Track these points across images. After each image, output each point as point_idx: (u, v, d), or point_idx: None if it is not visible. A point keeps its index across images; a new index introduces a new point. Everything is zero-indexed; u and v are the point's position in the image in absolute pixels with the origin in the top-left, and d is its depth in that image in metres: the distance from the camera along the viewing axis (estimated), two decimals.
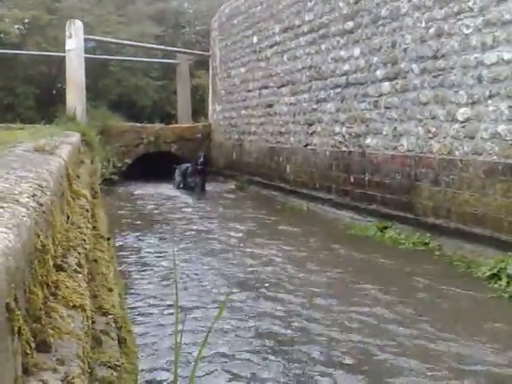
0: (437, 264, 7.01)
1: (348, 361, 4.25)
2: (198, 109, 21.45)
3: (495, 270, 6.06)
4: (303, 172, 11.90)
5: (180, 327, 1.33)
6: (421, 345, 4.53)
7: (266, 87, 13.86)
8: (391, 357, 4.30)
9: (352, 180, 10.11)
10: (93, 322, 1.50)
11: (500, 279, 5.91)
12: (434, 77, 8.01)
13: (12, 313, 0.84)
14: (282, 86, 12.95)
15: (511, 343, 4.57)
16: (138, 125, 17.59)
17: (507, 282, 5.78)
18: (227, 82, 16.90)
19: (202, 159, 14.84)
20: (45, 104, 21.55)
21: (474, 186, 7.25)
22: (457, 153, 7.59)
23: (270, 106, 13.61)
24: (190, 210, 11.97)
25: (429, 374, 4.03)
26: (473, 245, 7.03)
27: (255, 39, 14.58)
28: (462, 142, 7.49)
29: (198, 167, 14.68)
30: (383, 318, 5.12)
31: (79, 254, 1.87)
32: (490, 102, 7.03)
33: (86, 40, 15.72)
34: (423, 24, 8.26)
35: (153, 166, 15.79)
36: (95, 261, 2.30)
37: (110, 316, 1.71)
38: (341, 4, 10.49)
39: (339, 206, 10.33)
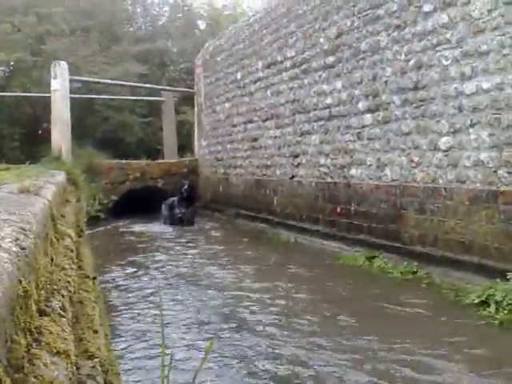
0: (425, 292, 7.00)
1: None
2: (185, 144, 21.56)
3: (484, 297, 6.06)
4: (290, 204, 11.94)
5: (166, 371, 1.32)
6: (413, 374, 4.49)
7: (251, 121, 14.01)
8: None
9: (338, 210, 10.15)
10: (77, 368, 1.48)
11: (489, 306, 5.90)
12: (416, 107, 8.16)
13: None
14: (267, 119, 13.10)
15: (500, 368, 4.55)
16: (124, 161, 17.60)
17: (496, 309, 5.77)
18: (212, 118, 17.06)
19: (186, 187, 14.94)
20: (30, 144, 21.55)
21: (459, 213, 7.31)
22: (441, 181, 7.68)
23: (255, 139, 13.73)
24: (175, 246, 11.89)
25: None
26: (461, 272, 7.05)
27: (239, 75, 14.80)
28: (445, 170, 7.59)
29: (184, 195, 14.72)
30: (374, 348, 5.08)
31: (63, 296, 1.85)
32: (471, 130, 7.16)
33: (71, 80, 15.84)
34: (403, 56, 8.45)
35: (140, 202, 15.75)
36: (80, 302, 2.27)
37: (96, 359, 1.68)
38: (321, 40, 10.72)
39: (326, 237, 10.35)
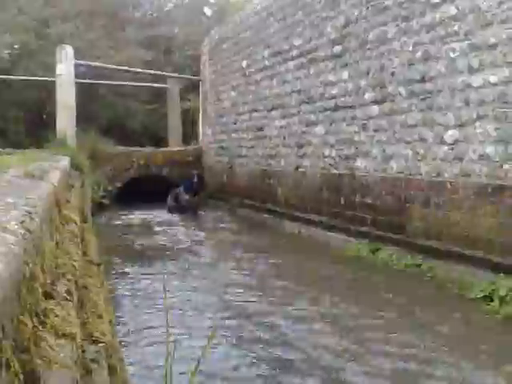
0: (429, 286, 7.00)
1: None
2: (189, 132, 21.53)
3: (487, 292, 6.05)
4: (294, 195, 11.92)
5: (170, 356, 1.31)
6: (415, 367, 4.49)
7: (256, 110, 13.96)
8: (371, 376, 4.26)
9: (343, 202, 10.13)
10: (83, 351, 1.47)
11: (492, 300, 5.89)
12: (422, 100, 8.11)
13: None
14: (272, 109, 13.05)
15: (503, 364, 4.54)
16: (129, 148, 17.60)
17: (500, 304, 5.76)
18: (218, 106, 17.00)
19: (195, 179, 15.36)
20: (35, 128, 21.53)
21: (464, 207, 7.28)
22: (446, 174, 7.64)
23: (261, 129, 13.69)
24: (179, 235, 11.90)
25: None
26: (465, 266, 7.03)
27: (245, 63, 14.73)
28: (450, 163, 7.55)
29: (193, 185, 15.10)
30: (376, 340, 5.08)
31: (68, 280, 1.85)
32: (477, 123, 7.11)
33: (76, 65, 15.79)
34: (410, 48, 8.38)
35: (144, 190, 15.74)
36: (85, 287, 2.27)
37: (101, 344, 1.68)
38: (329, 29, 10.64)
39: (330, 228, 10.33)
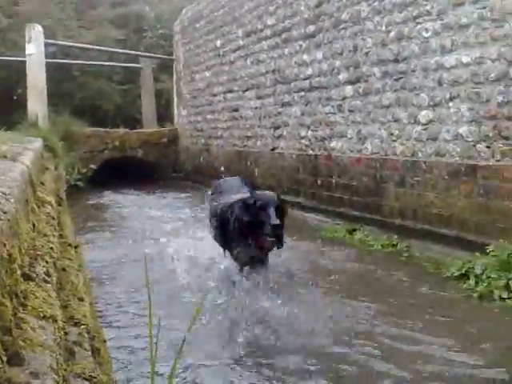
0: (405, 265, 7.08)
1: (315, 365, 4.25)
2: (164, 113, 21.28)
3: (463, 270, 6.13)
4: (271, 175, 11.93)
5: (155, 336, 1.30)
6: (387, 345, 4.55)
7: (231, 91, 13.86)
8: (359, 359, 4.31)
9: (319, 183, 10.18)
10: (65, 333, 1.46)
11: (468, 279, 5.98)
12: (396, 80, 8.14)
13: None
14: (247, 89, 12.97)
15: (480, 342, 4.61)
16: (102, 130, 17.34)
17: (476, 282, 5.85)
18: (192, 86, 16.83)
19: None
20: (5, 110, 21.01)
21: (439, 187, 7.38)
22: (420, 154, 7.72)
23: (236, 109, 13.61)
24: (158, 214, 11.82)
25: (392, 375, 4.04)
26: (440, 245, 7.13)
27: (218, 43, 14.57)
28: (424, 143, 7.63)
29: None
30: (351, 318, 5.14)
31: (47, 262, 1.82)
32: (451, 104, 7.18)
33: (46, 44, 15.43)
34: (384, 28, 8.38)
35: (119, 171, 15.56)
36: (64, 269, 2.24)
37: (82, 326, 1.66)
38: (302, 8, 10.57)
39: (307, 209, 10.38)
